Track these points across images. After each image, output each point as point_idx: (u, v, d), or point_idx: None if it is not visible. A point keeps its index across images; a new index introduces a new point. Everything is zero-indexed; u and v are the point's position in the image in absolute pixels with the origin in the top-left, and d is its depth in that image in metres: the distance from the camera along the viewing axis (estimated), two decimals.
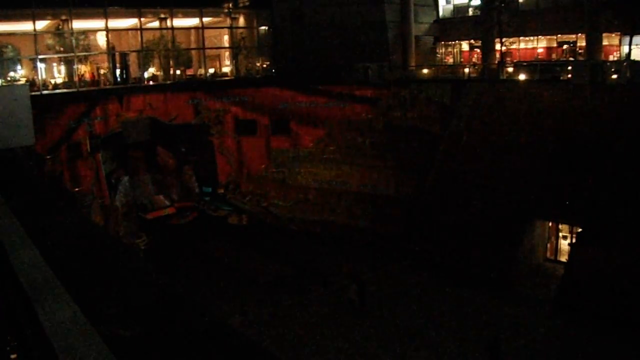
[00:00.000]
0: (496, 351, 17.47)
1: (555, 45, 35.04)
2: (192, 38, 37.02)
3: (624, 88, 23.70)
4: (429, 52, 39.60)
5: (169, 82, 34.64)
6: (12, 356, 3.31)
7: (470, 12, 38.97)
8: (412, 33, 37.08)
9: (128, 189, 33.62)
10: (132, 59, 33.77)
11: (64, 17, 30.11)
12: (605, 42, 31.31)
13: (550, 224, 25.50)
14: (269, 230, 31.89)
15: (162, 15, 34.12)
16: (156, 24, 34.87)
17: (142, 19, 33.09)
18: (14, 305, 3.77)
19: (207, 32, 36.50)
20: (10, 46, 30.70)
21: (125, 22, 34.46)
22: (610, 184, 21.58)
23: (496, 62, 32.03)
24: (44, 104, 27.12)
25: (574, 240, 23.29)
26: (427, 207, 27.50)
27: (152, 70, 35.19)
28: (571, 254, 22.57)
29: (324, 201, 32.36)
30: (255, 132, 35.66)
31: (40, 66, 30.26)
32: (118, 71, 32.84)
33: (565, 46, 34.59)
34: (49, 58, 31.52)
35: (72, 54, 30.56)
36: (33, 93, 23.72)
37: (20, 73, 30.99)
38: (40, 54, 29.76)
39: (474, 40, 37.99)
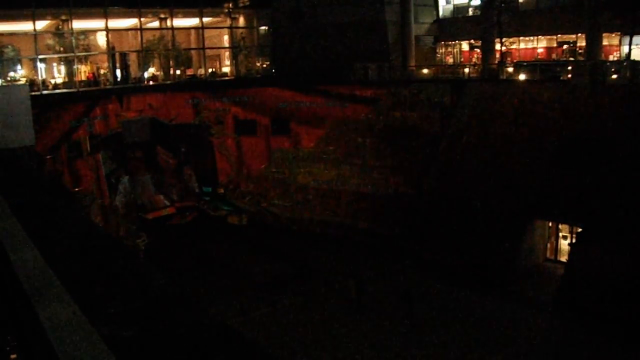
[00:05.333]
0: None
1: (555, 45, 35.00)
2: (192, 38, 37.02)
3: (624, 88, 23.69)
4: (429, 52, 39.57)
5: (169, 82, 34.64)
6: (12, 356, 3.31)
7: (470, 12, 38.95)
8: (412, 33, 37.06)
9: (128, 189, 33.63)
10: (132, 59, 33.76)
11: (64, 17, 30.10)
12: (605, 42, 31.29)
13: (550, 224, 25.49)
14: (269, 230, 31.89)
15: (162, 15, 34.11)
16: (156, 24, 34.86)
17: (142, 19, 33.09)
18: (14, 305, 3.77)
19: (207, 32, 36.49)
20: (10, 46, 30.69)
21: (125, 22, 34.46)
22: (610, 184, 21.58)
23: (496, 62, 32.01)
24: (44, 104, 27.12)
25: (574, 240, 23.29)
26: (426, 207, 27.49)
27: (152, 70, 35.19)
28: (571, 254, 22.56)
29: (324, 201, 32.35)
30: (255, 132, 35.66)
31: (40, 66, 30.26)
32: (118, 71, 32.83)
33: (565, 46, 34.56)
34: (49, 58, 31.51)
35: (72, 54, 30.56)
36: (33, 93, 23.71)
37: (20, 73, 30.97)
38: (40, 54, 29.75)
39: (474, 40, 37.97)
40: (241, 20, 38.37)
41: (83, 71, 31.72)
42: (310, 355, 18.96)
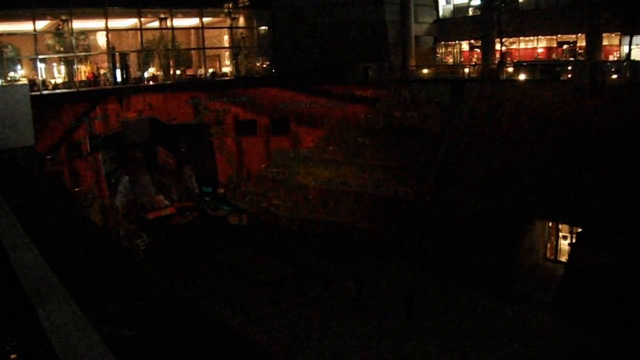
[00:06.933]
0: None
1: (555, 45, 35.00)
2: (192, 38, 37.01)
3: (624, 88, 23.69)
4: (429, 52, 39.57)
5: (169, 82, 34.62)
6: (12, 356, 3.31)
7: (470, 12, 38.95)
8: (412, 33, 37.06)
9: (128, 189, 33.63)
10: (132, 59, 33.74)
11: (64, 17, 30.07)
12: (605, 42, 31.27)
13: (550, 224, 25.49)
14: (269, 230, 31.89)
15: (162, 15, 34.09)
16: (156, 24, 34.85)
17: (142, 19, 33.06)
18: (14, 305, 3.76)
19: (207, 32, 36.47)
20: (10, 46, 30.67)
21: (125, 22, 34.44)
22: (610, 184, 21.58)
23: (496, 62, 32.01)
24: (44, 104, 27.11)
25: (574, 240, 23.29)
26: (427, 207, 27.49)
27: (152, 70, 35.17)
28: (571, 254, 22.56)
29: (324, 201, 32.35)
30: (255, 132, 35.67)
31: (40, 66, 30.24)
32: (118, 71, 32.81)
33: (565, 46, 34.56)
34: (49, 58, 31.50)
35: (72, 54, 30.55)
36: (33, 93, 23.69)
37: (20, 73, 30.95)
38: (40, 54, 29.74)
39: (474, 40, 37.97)
40: (241, 20, 38.34)
41: (83, 71, 31.69)
42: (310, 355, 18.95)
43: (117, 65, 32.90)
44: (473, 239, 24.37)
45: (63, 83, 31.58)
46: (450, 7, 40.12)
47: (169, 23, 34.20)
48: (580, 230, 22.75)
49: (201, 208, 35.14)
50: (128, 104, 32.14)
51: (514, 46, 35.80)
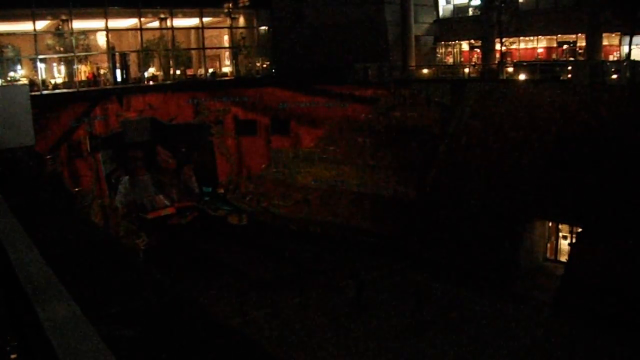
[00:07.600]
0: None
1: (555, 45, 35.01)
2: (192, 38, 37.02)
3: (624, 88, 23.69)
4: (429, 52, 39.57)
5: (169, 82, 34.63)
6: (12, 356, 3.31)
7: (470, 12, 38.95)
8: (412, 33, 37.03)
9: (128, 189, 33.61)
10: (132, 59, 33.76)
11: (64, 17, 30.10)
12: (605, 42, 31.29)
13: (550, 224, 25.49)
14: (269, 230, 31.88)
15: (162, 15, 34.11)
16: (156, 24, 34.86)
17: (142, 19, 33.09)
18: (14, 305, 3.76)
19: (207, 32, 36.49)
20: (10, 46, 30.67)
21: (125, 22, 34.46)
22: (610, 184, 21.58)
23: (496, 62, 32.02)
24: (44, 104, 27.13)
25: (574, 240, 23.29)
26: (427, 207, 27.49)
27: (152, 70, 35.18)
28: (571, 254, 22.57)
29: (324, 201, 32.35)
30: (255, 132, 35.66)
31: (40, 66, 30.26)
32: (118, 71, 32.83)
33: (565, 46, 34.57)
34: (49, 58, 31.51)
35: (72, 54, 30.56)
36: (33, 93, 23.70)
37: (20, 73, 30.96)
38: (40, 54, 29.76)
39: (474, 40, 37.97)
40: (241, 20, 38.35)
41: (83, 71, 31.71)
42: (310, 355, 18.95)
43: (117, 65, 32.93)
44: (473, 239, 24.36)
45: (63, 83, 31.61)
46: (450, 7, 40.10)
47: (169, 23, 34.21)
48: (580, 230, 22.75)
49: (201, 208, 35.12)
50: (128, 104, 32.15)
51: (514, 46, 35.81)
